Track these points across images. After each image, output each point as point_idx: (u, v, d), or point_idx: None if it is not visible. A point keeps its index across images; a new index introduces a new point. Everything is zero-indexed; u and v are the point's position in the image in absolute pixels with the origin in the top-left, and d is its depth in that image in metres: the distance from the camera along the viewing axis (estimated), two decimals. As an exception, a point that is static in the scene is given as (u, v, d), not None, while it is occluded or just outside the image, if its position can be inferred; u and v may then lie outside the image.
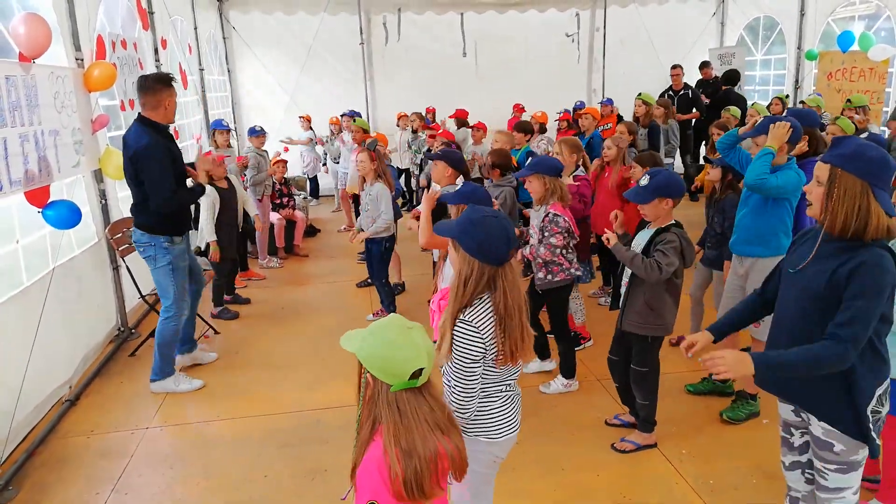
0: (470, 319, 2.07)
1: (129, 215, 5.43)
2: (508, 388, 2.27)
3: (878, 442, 2.20)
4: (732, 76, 9.46)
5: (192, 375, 4.52)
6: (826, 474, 2.27)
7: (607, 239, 3.40)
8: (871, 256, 2.03)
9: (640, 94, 7.95)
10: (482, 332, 2.07)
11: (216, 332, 5.33)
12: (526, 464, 3.40)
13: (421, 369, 1.58)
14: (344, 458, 3.57)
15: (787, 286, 2.30)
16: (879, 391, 2.17)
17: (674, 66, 9.76)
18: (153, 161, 4.00)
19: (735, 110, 7.32)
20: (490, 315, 2.08)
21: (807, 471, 2.40)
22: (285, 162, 7.95)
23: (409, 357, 1.57)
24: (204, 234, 5.54)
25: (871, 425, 2.15)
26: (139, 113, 4.15)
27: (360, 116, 9.57)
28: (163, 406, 4.25)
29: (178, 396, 4.36)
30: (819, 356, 2.06)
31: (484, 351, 2.08)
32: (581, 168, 4.77)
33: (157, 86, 4.08)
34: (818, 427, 2.24)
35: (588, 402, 4.07)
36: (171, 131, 4.38)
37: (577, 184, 4.74)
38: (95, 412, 4.18)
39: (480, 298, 2.10)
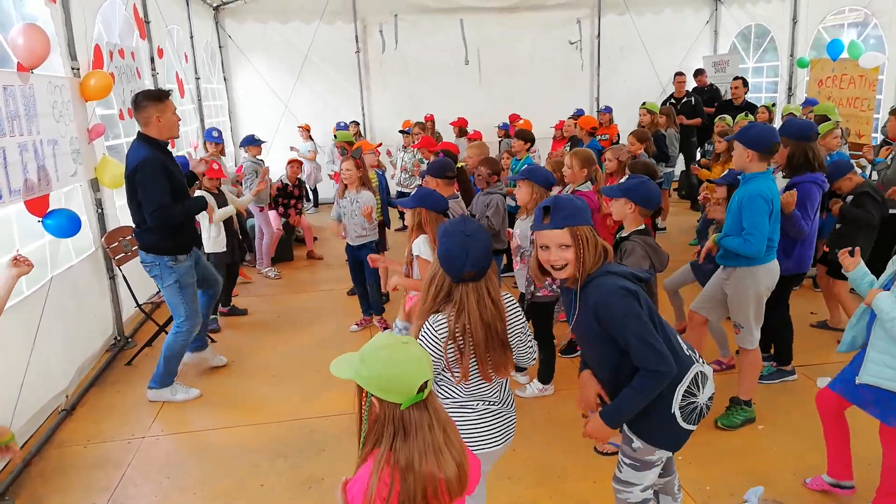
0: (433, 323, 2.17)
1: (125, 224, 5.49)
2: (488, 404, 2.30)
3: (691, 428, 2.34)
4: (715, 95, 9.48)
5: (188, 384, 4.52)
6: (622, 467, 2.45)
7: None
8: (596, 295, 2.17)
9: (644, 104, 7.99)
10: (439, 338, 2.15)
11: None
12: (522, 472, 3.41)
13: (426, 381, 1.55)
14: (340, 468, 3.59)
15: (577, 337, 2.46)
16: (683, 387, 2.28)
17: (678, 74, 9.77)
18: (147, 173, 3.96)
19: (729, 119, 7.38)
20: (445, 328, 2.15)
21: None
22: (300, 163, 7.94)
23: (414, 371, 1.53)
24: (209, 236, 5.56)
25: (681, 419, 2.29)
26: (138, 131, 4.15)
27: (348, 128, 9.61)
28: (159, 415, 4.25)
29: (174, 406, 4.36)
30: (645, 389, 2.18)
31: (440, 354, 2.16)
32: (588, 184, 4.72)
33: (144, 102, 4.06)
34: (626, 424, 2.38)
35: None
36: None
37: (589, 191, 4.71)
38: (92, 422, 4.18)
39: (447, 310, 2.17)
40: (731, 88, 9.14)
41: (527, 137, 6.62)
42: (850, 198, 4.77)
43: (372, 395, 1.55)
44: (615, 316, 2.14)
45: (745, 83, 9.00)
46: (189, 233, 4.36)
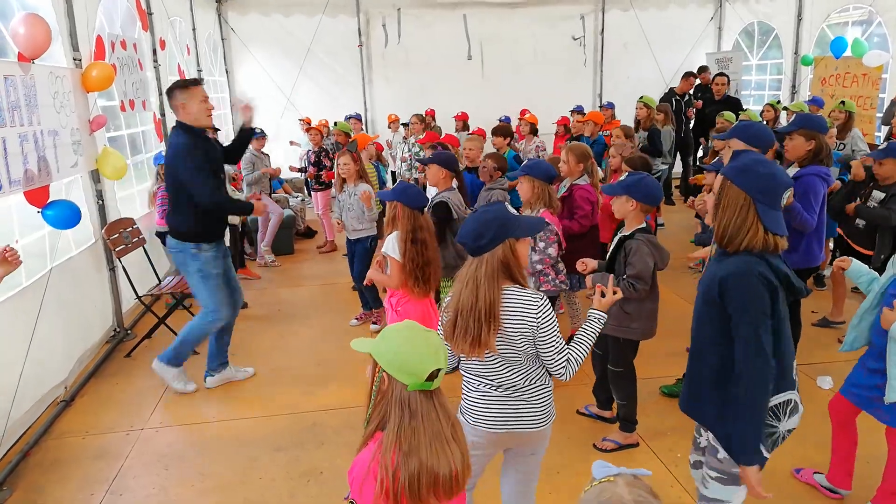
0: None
1: (126, 216, 5.49)
2: (483, 386, 2.35)
3: (767, 455, 2.16)
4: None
5: (189, 377, 4.50)
6: (708, 482, 2.30)
7: (584, 268, 3.51)
8: (737, 266, 2.08)
9: (641, 98, 7.99)
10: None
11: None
12: (521, 467, 3.41)
13: (438, 370, 1.57)
14: (340, 461, 3.60)
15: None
16: (773, 403, 2.15)
17: (692, 74, 9.73)
18: (185, 159, 3.97)
19: (730, 115, 7.35)
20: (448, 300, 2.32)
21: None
22: (318, 129, 8.04)
23: (427, 355, 1.57)
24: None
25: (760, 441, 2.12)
26: (176, 119, 4.14)
27: (355, 118, 9.59)
28: (158, 407, 4.25)
29: (174, 397, 4.36)
30: (748, 397, 2.06)
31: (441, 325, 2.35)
32: (585, 177, 4.69)
33: (172, 91, 4.08)
34: (710, 432, 2.30)
35: (581, 405, 4.07)
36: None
37: (584, 186, 4.66)
38: (91, 413, 4.18)
39: None
40: (713, 84, 9.35)
41: (505, 133, 6.64)
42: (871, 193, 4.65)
43: (384, 371, 1.58)
44: (738, 298, 2.05)
45: (728, 80, 9.47)
46: (215, 223, 4.25)
